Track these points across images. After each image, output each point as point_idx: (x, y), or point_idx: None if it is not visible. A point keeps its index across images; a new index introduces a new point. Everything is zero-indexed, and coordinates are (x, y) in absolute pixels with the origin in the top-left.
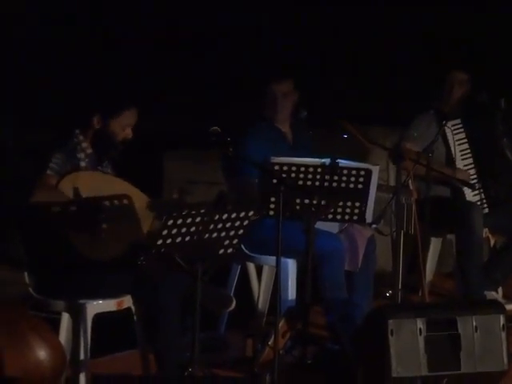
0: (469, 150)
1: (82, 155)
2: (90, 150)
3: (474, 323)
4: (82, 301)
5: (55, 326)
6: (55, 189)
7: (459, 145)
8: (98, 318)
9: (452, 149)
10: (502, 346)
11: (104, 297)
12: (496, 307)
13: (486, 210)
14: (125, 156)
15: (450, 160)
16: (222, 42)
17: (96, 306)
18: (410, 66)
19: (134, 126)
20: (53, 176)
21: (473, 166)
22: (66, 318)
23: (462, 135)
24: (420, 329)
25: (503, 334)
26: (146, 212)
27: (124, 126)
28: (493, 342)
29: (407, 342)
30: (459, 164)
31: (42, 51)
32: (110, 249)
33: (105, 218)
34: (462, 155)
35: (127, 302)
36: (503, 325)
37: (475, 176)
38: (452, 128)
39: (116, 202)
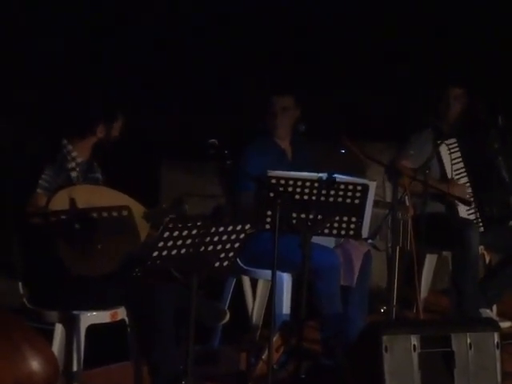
0: (464, 169)
1: (72, 165)
2: (80, 159)
3: (469, 340)
4: (75, 312)
5: (49, 336)
6: (45, 208)
7: (455, 164)
8: (92, 329)
9: (447, 168)
10: (496, 364)
11: (98, 308)
12: (490, 325)
13: (482, 229)
14: (121, 166)
15: (445, 179)
16: (222, 56)
17: (90, 318)
18: (408, 82)
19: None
20: (42, 194)
21: (468, 185)
22: (59, 329)
23: (458, 154)
24: (414, 345)
25: (497, 352)
26: (143, 222)
27: (120, 129)
28: (487, 360)
29: (401, 359)
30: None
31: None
32: (106, 263)
33: (102, 229)
34: (457, 174)
35: (121, 313)
36: (497, 343)
37: (470, 195)
38: (449, 147)
39: (115, 213)
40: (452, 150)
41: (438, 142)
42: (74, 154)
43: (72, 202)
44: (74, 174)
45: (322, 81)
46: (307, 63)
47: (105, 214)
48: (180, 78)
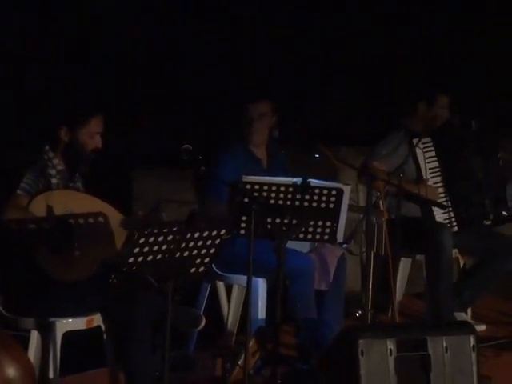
0: (438, 169)
1: (53, 172)
2: (60, 167)
3: (445, 344)
4: (51, 319)
5: (24, 343)
6: (26, 209)
7: (429, 163)
8: (68, 336)
9: (422, 167)
10: (473, 367)
11: (74, 315)
12: (466, 328)
13: (456, 229)
14: (95, 173)
15: (420, 178)
16: (199, 61)
17: (66, 324)
18: (381, 87)
19: (102, 133)
20: (23, 196)
21: (441, 184)
22: (35, 336)
23: (432, 153)
24: (390, 349)
25: (474, 355)
26: (120, 229)
27: (92, 134)
28: (463, 363)
29: (377, 363)
30: (428, 182)
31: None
32: (83, 269)
33: (78, 236)
34: (431, 173)
35: (97, 320)
36: (473, 345)
37: (443, 194)
38: (422, 146)
39: (91, 219)
40: (426, 150)
41: (415, 141)
42: (55, 161)
43: (49, 208)
44: (54, 181)
45: (297, 86)
46: (281, 68)
47: (81, 221)
48: (154, 85)
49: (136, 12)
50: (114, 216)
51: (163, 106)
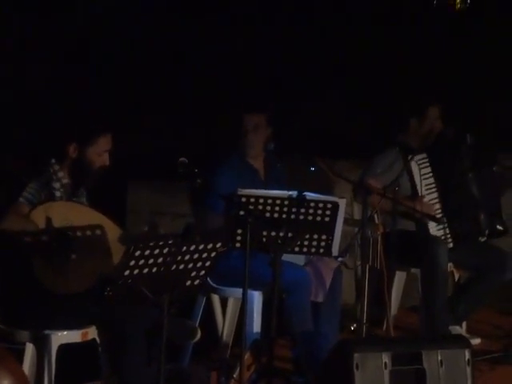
0: (434, 185)
1: (57, 185)
2: (66, 180)
3: (440, 358)
4: (46, 331)
5: (19, 356)
6: (26, 218)
7: (425, 179)
8: (63, 348)
9: (417, 183)
10: (468, 381)
11: (69, 328)
12: (461, 342)
13: (451, 245)
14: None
15: (416, 194)
16: (199, 61)
17: (61, 337)
18: (381, 88)
19: (110, 151)
20: (25, 205)
21: (437, 200)
22: (30, 349)
23: (428, 169)
24: (385, 363)
25: (468, 369)
26: (118, 244)
27: (100, 153)
28: (458, 377)
29: (372, 376)
30: (424, 198)
31: (15, 76)
32: (80, 282)
33: (76, 248)
34: (427, 189)
35: (92, 333)
36: (468, 359)
37: (440, 210)
38: (418, 162)
39: (89, 232)
40: (422, 166)
41: (410, 156)
42: (61, 174)
43: (48, 219)
44: (58, 194)
45: (293, 98)
46: (280, 80)
47: (79, 233)
48: (154, 85)
49: (136, 12)
50: (113, 230)
51: (163, 106)
